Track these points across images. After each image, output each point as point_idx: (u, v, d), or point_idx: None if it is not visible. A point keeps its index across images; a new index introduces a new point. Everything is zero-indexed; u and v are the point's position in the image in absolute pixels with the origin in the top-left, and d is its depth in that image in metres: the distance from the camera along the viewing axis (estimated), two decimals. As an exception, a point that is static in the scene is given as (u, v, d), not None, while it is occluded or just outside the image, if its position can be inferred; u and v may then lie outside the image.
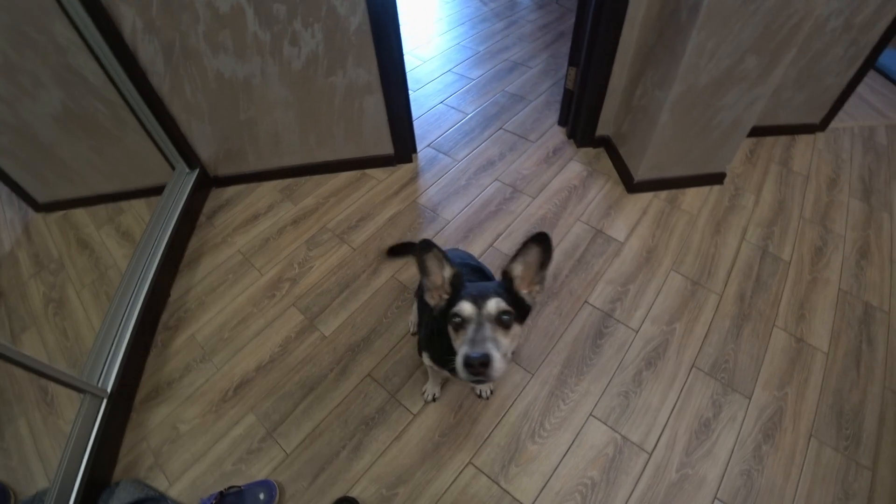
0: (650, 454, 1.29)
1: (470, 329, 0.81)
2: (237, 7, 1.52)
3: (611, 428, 1.34)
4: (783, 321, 1.59)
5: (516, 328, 0.85)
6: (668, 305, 1.62)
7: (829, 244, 1.84)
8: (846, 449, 1.30)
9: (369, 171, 2.18)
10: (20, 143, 1.72)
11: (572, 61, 2.09)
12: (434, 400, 1.40)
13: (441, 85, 2.73)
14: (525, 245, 0.85)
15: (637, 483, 1.24)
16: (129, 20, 1.50)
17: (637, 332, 1.55)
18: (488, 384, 1.40)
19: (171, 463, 1.30)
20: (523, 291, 0.90)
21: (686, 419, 1.36)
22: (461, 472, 1.26)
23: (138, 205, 2.00)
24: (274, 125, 1.93)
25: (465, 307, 0.82)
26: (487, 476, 1.25)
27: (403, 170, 2.18)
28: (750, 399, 1.40)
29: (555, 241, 1.83)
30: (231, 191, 2.12)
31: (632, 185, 1.99)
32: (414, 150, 2.25)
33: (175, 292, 1.72)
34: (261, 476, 1.27)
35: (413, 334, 1.55)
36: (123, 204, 2.01)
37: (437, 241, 1.83)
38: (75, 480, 1.16)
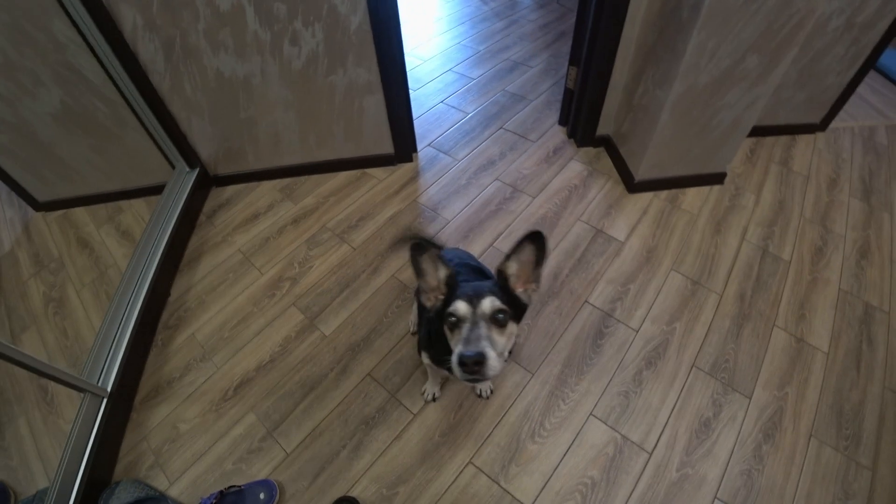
0: (650, 454, 1.29)
1: (465, 328, 0.81)
2: (237, 6, 1.52)
3: (611, 427, 1.34)
4: (783, 321, 1.59)
5: (512, 327, 0.85)
6: (669, 305, 1.62)
7: (829, 244, 1.84)
8: (846, 449, 1.30)
9: (369, 171, 2.17)
10: (20, 142, 1.72)
11: (573, 61, 2.09)
12: (434, 400, 1.39)
13: (441, 84, 2.73)
14: (519, 243, 0.85)
15: (637, 482, 1.24)
16: (129, 18, 1.50)
17: (637, 331, 1.55)
18: (488, 383, 1.40)
19: (172, 462, 1.30)
20: (519, 290, 0.90)
21: (686, 419, 1.36)
22: (461, 471, 1.26)
23: (138, 204, 2.00)
24: (274, 124, 1.93)
25: (460, 306, 0.82)
26: (488, 476, 1.25)
27: (404, 169, 2.18)
28: (750, 399, 1.40)
29: (555, 240, 1.83)
30: (231, 190, 2.12)
31: (632, 185, 1.99)
32: (414, 149, 2.24)
33: (175, 291, 1.72)
34: (261, 475, 1.26)
35: (413, 334, 1.55)
36: (123, 203, 2.01)
37: (438, 240, 1.83)
38: (75, 480, 1.16)
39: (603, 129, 2.19)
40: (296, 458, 1.30)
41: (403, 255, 1.75)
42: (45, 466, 1.31)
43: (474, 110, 2.52)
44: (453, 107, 2.55)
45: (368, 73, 1.81)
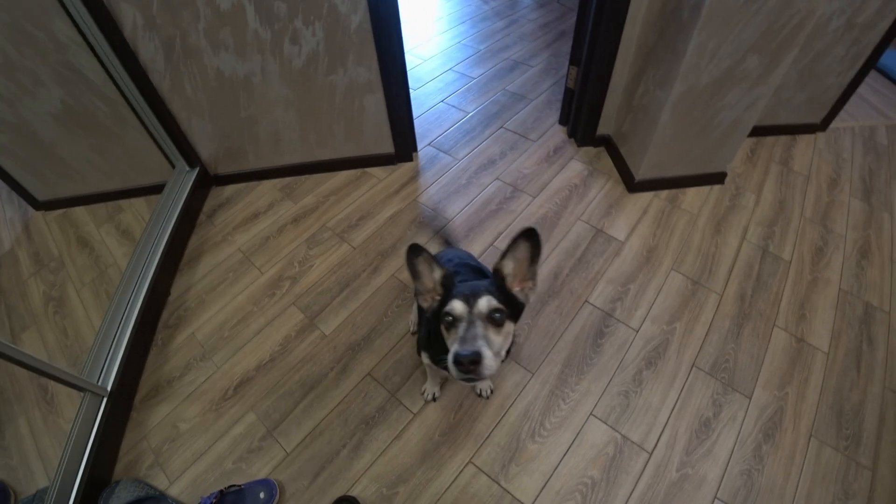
0: (650, 454, 1.29)
1: (461, 328, 0.80)
2: (238, 5, 1.52)
3: (611, 427, 1.34)
4: (783, 321, 1.59)
5: (509, 326, 0.85)
6: (669, 305, 1.62)
7: (829, 244, 1.84)
8: (846, 449, 1.30)
9: (370, 170, 2.17)
10: (20, 142, 1.72)
11: (573, 60, 2.09)
12: (434, 399, 1.39)
13: (442, 83, 2.73)
14: (514, 241, 0.85)
15: (637, 482, 1.24)
16: (129, 17, 1.50)
17: (637, 331, 1.55)
18: (488, 383, 1.40)
19: (172, 462, 1.30)
20: (516, 289, 0.90)
21: (686, 419, 1.36)
22: (461, 471, 1.26)
23: (138, 203, 2.00)
24: (274, 123, 1.93)
25: (457, 306, 0.82)
26: (488, 475, 1.25)
27: (404, 168, 2.18)
28: (750, 399, 1.40)
29: (555, 240, 1.83)
30: (231, 189, 2.12)
31: (632, 185, 1.99)
32: (414, 148, 2.24)
33: (175, 291, 1.72)
34: (261, 475, 1.26)
35: (413, 333, 1.55)
36: (123, 202, 2.01)
37: (438, 239, 1.83)
38: (75, 479, 1.16)
39: (603, 128, 2.19)
40: (296, 458, 1.30)
41: (403, 255, 1.75)
42: (45, 466, 1.31)
43: (474, 110, 2.52)
44: (453, 106, 2.55)
45: (369, 72, 1.80)
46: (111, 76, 1.57)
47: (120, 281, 1.57)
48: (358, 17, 1.62)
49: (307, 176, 2.16)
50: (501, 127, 2.39)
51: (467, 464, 1.28)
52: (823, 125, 2.36)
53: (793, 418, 1.36)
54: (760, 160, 2.20)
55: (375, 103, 1.93)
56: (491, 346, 0.78)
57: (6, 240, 1.86)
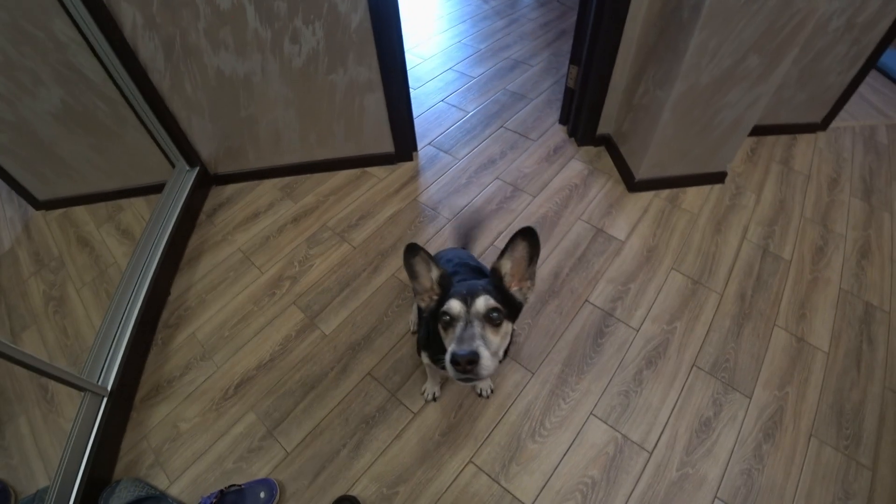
0: (651, 453, 1.29)
1: (458, 327, 0.80)
2: (238, 4, 1.52)
3: (611, 427, 1.34)
4: (784, 320, 1.59)
5: (507, 326, 0.85)
6: (669, 304, 1.62)
7: (829, 243, 1.84)
8: (846, 448, 1.30)
9: (370, 170, 2.17)
10: (20, 141, 1.72)
11: (573, 59, 2.09)
12: (434, 399, 1.39)
13: (442, 83, 2.73)
14: (512, 240, 0.85)
15: (637, 482, 1.24)
16: (129, 17, 1.49)
17: (638, 331, 1.55)
18: (488, 382, 1.40)
19: (172, 461, 1.30)
20: (514, 288, 0.90)
21: (686, 418, 1.36)
22: (462, 470, 1.26)
23: (138, 203, 2.00)
24: (274, 123, 1.92)
25: (454, 305, 0.82)
26: (488, 475, 1.25)
27: (404, 168, 2.18)
28: (750, 398, 1.40)
29: (556, 239, 1.83)
30: (231, 189, 2.12)
31: (633, 184, 1.99)
32: (414, 148, 2.24)
33: (175, 290, 1.72)
34: (261, 474, 1.27)
35: (413, 333, 1.55)
36: (123, 202, 2.01)
37: (438, 239, 1.83)
38: (76, 479, 1.16)
39: (603, 128, 2.19)
40: (296, 457, 1.30)
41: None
42: (45, 465, 1.31)
43: (475, 109, 2.51)
44: (454, 105, 2.55)
45: (369, 71, 1.80)
46: (111, 76, 1.57)
47: (120, 280, 1.57)
48: (358, 17, 1.62)
49: (307, 175, 2.15)
50: (502, 126, 2.39)
51: (467, 463, 1.28)
52: (824, 124, 2.36)
53: (793, 418, 1.36)
54: (761, 160, 2.20)
55: (375, 103, 1.92)
56: (488, 346, 0.77)
57: (6, 239, 1.86)
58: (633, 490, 1.23)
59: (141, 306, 1.52)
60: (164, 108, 1.75)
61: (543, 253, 1.78)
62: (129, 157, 1.89)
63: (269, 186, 2.11)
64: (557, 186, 2.06)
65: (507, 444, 1.31)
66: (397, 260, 1.77)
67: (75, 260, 1.82)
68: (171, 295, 1.71)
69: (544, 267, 1.73)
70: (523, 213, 1.94)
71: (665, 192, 2.01)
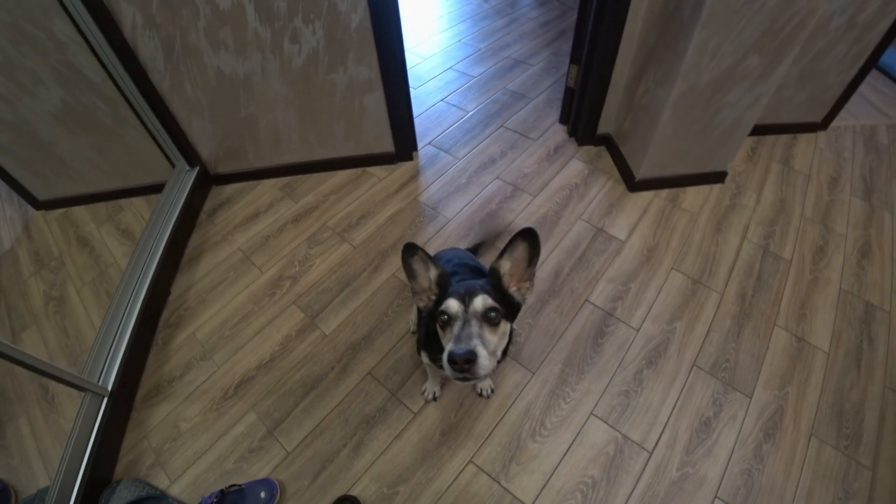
0: (651, 453, 1.29)
1: (456, 326, 0.80)
2: (237, 4, 1.51)
3: (611, 427, 1.34)
4: (784, 320, 1.59)
5: (505, 326, 0.84)
6: (669, 304, 1.62)
7: (830, 243, 1.83)
8: (846, 448, 1.30)
9: (370, 169, 2.17)
10: (20, 141, 1.72)
11: (574, 59, 2.09)
12: (435, 399, 1.39)
13: (442, 82, 2.72)
14: (512, 241, 0.84)
15: (638, 482, 1.24)
16: (129, 16, 1.49)
17: (638, 330, 1.55)
18: (489, 382, 1.40)
19: (172, 461, 1.30)
20: (512, 289, 0.90)
21: (687, 418, 1.36)
22: (462, 470, 1.26)
23: (138, 202, 2.00)
24: (274, 122, 1.92)
25: (452, 304, 0.82)
26: (488, 475, 1.25)
27: (404, 168, 2.18)
28: (751, 398, 1.40)
29: (556, 239, 1.83)
30: (231, 188, 2.11)
31: (633, 184, 1.99)
32: (414, 147, 2.24)
33: (175, 290, 1.72)
34: (262, 474, 1.27)
35: (413, 333, 1.55)
36: (123, 202, 2.01)
37: (438, 239, 1.83)
38: (76, 479, 1.16)
39: (604, 127, 2.19)
40: (296, 457, 1.30)
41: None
42: (45, 465, 1.31)
43: (475, 108, 2.51)
44: (454, 105, 2.54)
45: (369, 70, 1.80)
46: (111, 75, 1.57)
47: (120, 280, 1.57)
48: (358, 16, 1.62)
49: (307, 175, 2.15)
50: (502, 126, 2.39)
51: (468, 463, 1.28)
52: (824, 124, 2.36)
53: (793, 418, 1.36)
54: (761, 159, 2.20)
55: (375, 102, 1.92)
56: (486, 346, 0.77)
57: (6, 239, 1.86)
58: (633, 490, 1.23)
59: (141, 306, 1.52)
60: (164, 108, 1.74)
61: (544, 252, 1.78)
62: (129, 157, 1.89)
63: (269, 186, 2.11)
64: (558, 186, 2.06)
65: (507, 443, 1.31)
66: (397, 260, 1.77)
67: (75, 260, 1.82)
68: (171, 295, 1.71)
69: (544, 266, 1.73)
70: (523, 213, 1.94)
71: (665, 192, 2.01)
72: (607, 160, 2.19)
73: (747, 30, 1.45)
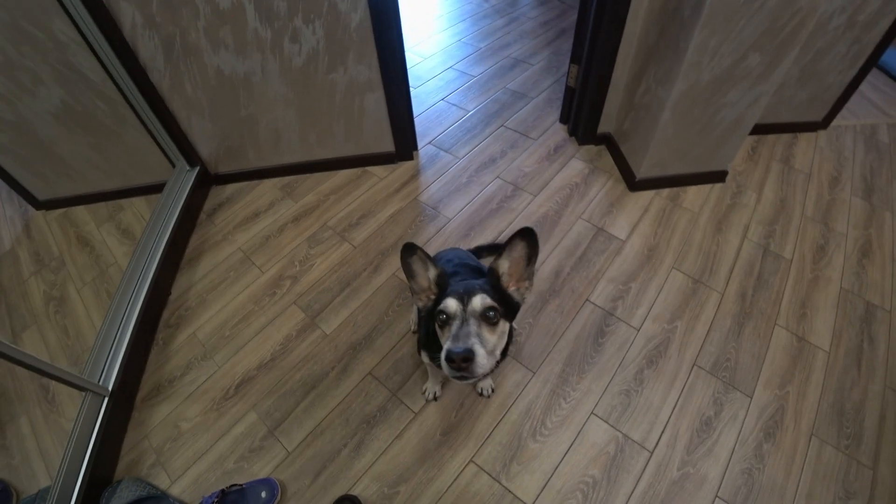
0: (651, 452, 1.29)
1: (455, 325, 0.80)
2: (237, 3, 1.51)
3: (612, 426, 1.34)
4: (785, 320, 1.59)
5: (503, 325, 0.85)
6: (670, 304, 1.62)
7: (830, 242, 1.83)
8: (847, 448, 1.30)
9: (370, 169, 2.17)
10: (20, 141, 1.72)
11: (574, 58, 2.09)
12: (435, 399, 1.39)
13: (442, 82, 2.72)
14: (510, 240, 0.84)
15: (638, 481, 1.24)
16: (128, 16, 1.49)
17: (638, 330, 1.55)
18: (489, 381, 1.40)
19: (173, 461, 1.30)
20: (511, 288, 0.90)
21: (687, 418, 1.36)
22: (462, 470, 1.26)
23: (139, 202, 2.00)
24: (274, 122, 1.92)
25: (450, 304, 0.82)
26: (489, 474, 1.26)
27: (404, 167, 2.18)
28: (751, 398, 1.40)
29: (556, 238, 1.83)
30: (231, 188, 2.11)
31: (633, 183, 1.99)
32: (415, 147, 2.24)
33: (176, 290, 1.72)
34: (262, 474, 1.27)
35: (414, 332, 1.55)
36: (124, 201, 2.01)
37: (439, 238, 1.83)
38: (77, 479, 1.16)
39: (604, 127, 2.19)
40: (297, 457, 1.30)
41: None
42: (46, 465, 1.31)
43: (475, 108, 2.51)
44: (454, 104, 2.54)
45: (369, 70, 1.80)
46: (111, 75, 1.57)
47: (121, 280, 1.57)
48: (358, 16, 1.62)
49: (307, 175, 2.15)
50: (502, 125, 2.39)
51: (468, 463, 1.28)
52: (825, 123, 2.36)
53: (794, 417, 1.36)
54: (762, 158, 2.20)
55: (376, 102, 1.92)
56: (484, 345, 0.78)
57: (7, 239, 1.86)
58: (633, 489, 1.23)
59: (142, 306, 1.52)
60: (164, 108, 1.74)
61: (544, 252, 1.78)
62: (129, 156, 1.89)
63: (270, 186, 2.11)
64: (558, 185, 2.06)
65: (508, 443, 1.31)
66: (398, 259, 1.74)
67: (76, 260, 1.82)
68: (171, 294, 1.71)
69: (545, 266, 1.73)
70: (524, 213, 1.94)
71: (666, 191, 2.01)
72: (608, 159, 2.19)
73: (748, 29, 1.44)
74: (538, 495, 1.22)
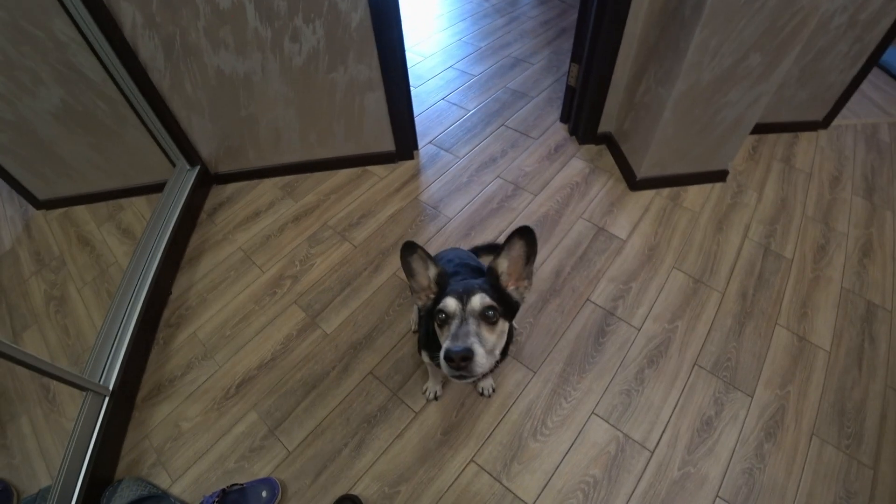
0: (652, 452, 1.29)
1: (454, 324, 0.80)
2: (238, 3, 1.51)
3: (613, 426, 1.34)
4: (785, 319, 1.58)
5: (503, 325, 0.85)
6: (671, 303, 1.62)
7: (831, 242, 1.83)
8: (848, 447, 1.30)
9: (370, 168, 2.17)
10: (20, 141, 1.72)
11: (574, 58, 2.08)
12: (436, 398, 1.39)
13: (442, 81, 2.72)
14: (509, 239, 0.84)
15: (639, 481, 1.24)
16: (129, 16, 1.49)
17: (639, 329, 1.55)
18: (490, 381, 1.40)
19: (174, 461, 1.30)
20: (510, 288, 0.89)
21: (688, 417, 1.36)
22: (463, 469, 1.26)
23: (139, 202, 2.00)
24: (275, 122, 1.92)
25: (450, 303, 0.82)
26: (489, 474, 1.26)
27: (405, 167, 2.18)
28: (752, 397, 1.40)
29: (557, 238, 1.83)
30: (232, 188, 2.11)
31: (634, 183, 1.98)
32: (415, 146, 2.24)
33: (176, 290, 1.72)
34: (263, 474, 1.27)
35: (414, 332, 1.55)
36: (124, 201, 2.01)
37: (439, 238, 1.83)
38: (78, 478, 1.16)
39: (605, 126, 2.19)
40: (298, 457, 1.30)
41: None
42: (47, 465, 1.31)
43: (475, 107, 2.51)
44: (454, 104, 2.54)
45: (369, 70, 1.80)
46: (111, 75, 1.56)
47: (121, 280, 1.57)
48: (358, 15, 1.62)
49: (308, 174, 2.15)
50: (502, 125, 2.39)
51: (469, 462, 1.28)
52: (826, 122, 2.35)
53: (794, 417, 1.36)
54: (762, 158, 2.20)
55: (376, 101, 1.92)
56: (484, 344, 0.78)
57: (7, 239, 1.86)
58: (634, 489, 1.23)
59: (142, 306, 1.52)
60: (165, 108, 1.74)
61: (545, 252, 1.78)
62: (130, 156, 1.89)
63: (270, 185, 2.11)
64: (558, 185, 2.06)
65: (508, 443, 1.31)
66: (398, 259, 1.75)
67: (76, 259, 1.82)
68: (172, 294, 1.71)
69: (545, 266, 1.73)
70: (524, 212, 1.94)
71: (666, 191, 2.01)
72: (608, 159, 2.19)
73: (748, 29, 1.44)
74: (539, 495, 1.22)
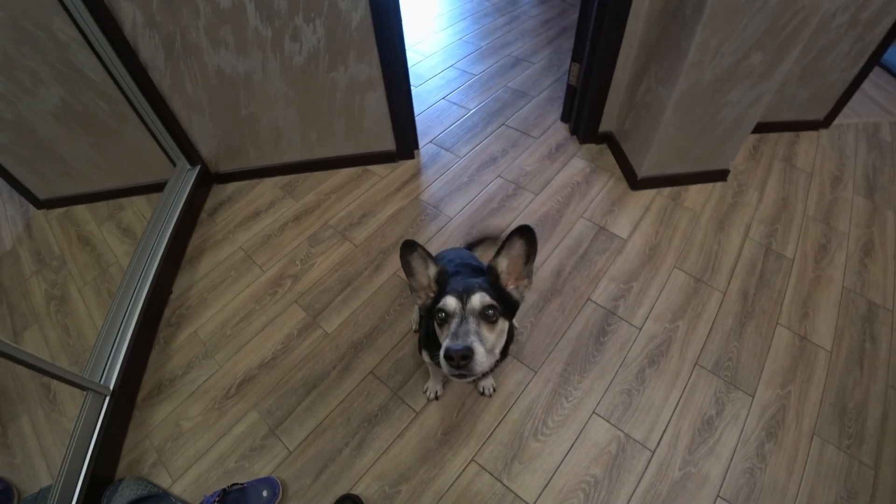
0: (653, 452, 1.29)
1: (453, 323, 0.80)
2: (238, 2, 1.51)
3: (614, 426, 1.34)
4: (786, 319, 1.58)
5: (502, 324, 0.84)
6: (672, 303, 1.62)
7: (832, 241, 1.83)
8: (849, 447, 1.30)
9: (371, 168, 2.17)
10: (21, 141, 1.72)
11: (575, 57, 2.08)
12: (437, 398, 1.39)
13: (443, 81, 2.72)
14: (509, 238, 0.84)
15: (640, 481, 1.24)
16: (129, 15, 1.49)
17: (640, 329, 1.55)
18: (490, 381, 1.40)
19: (174, 460, 1.30)
20: (510, 287, 0.89)
21: (689, 417, 1.35)
22: (464, 469, 1.26)
23: (139, 201, 2.00)
24: (275, 121, 1.92)
25: (450, 302, 0.82)
26: (490, 473, 1.25)
27: (405, 166, 2.17)
28: (753, 397, 1.40)
29: (557, 237, 1.83)
30: (232, 187, 2.11)
31: (635, 182, 1.98)
32: (416, 146, 2.23)
33: (177, 289, 1.72)
34: (264, 473, 1.27)
35: (415, 331, 1.55)
36: (124, 201, 2.01)
37: (440, 237, 1.83)
38: (78, 478, 1.16)
39: (605, 125, 2.18)
40: (298, 456, 1.30)
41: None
42: (48, 464, 1.31)
43: (476, 107, 2.51)
44: (455, 103, 2.54)
45: (370, 69, 1.80)
46: (111, 74, 1.56)
47: (122, 279, 1.57)
48: (359, 14, 1.61)
49: (308, 174, 2.15)
50: (503, 124, 2.38)
51: (470, 462, 1.28)
52: (827, 122, 2.35)
53: (795, 417, 1.36)
54: (763, 157, 2.20)
55: (376, 100, 1.92)
56: (483, 343, 0.77)
57: (8, 238, 1.86)
58: (635, 489, 1.22)
59: (143, 305, 1.52)
60: (165, 107, 1.74)
61: (546, 251, 1.78)
62: (130, 155, 1.89)
63: (270, 185, 2.11)
64: (559, 184, 2.05)
65: (509, 442, 1.31)
66: (399, 258, 1.76)
67: (77, 259, 1.82)
68: (172, 294, 1.70)
69: (546, 265, 1.73)
70: (525, 212, 1.94)
71: (667, 190, 2.01)
72: (609, 158, 2.18)
73: (749, 28, 1.44)
74: (540, 495, 1.22)
